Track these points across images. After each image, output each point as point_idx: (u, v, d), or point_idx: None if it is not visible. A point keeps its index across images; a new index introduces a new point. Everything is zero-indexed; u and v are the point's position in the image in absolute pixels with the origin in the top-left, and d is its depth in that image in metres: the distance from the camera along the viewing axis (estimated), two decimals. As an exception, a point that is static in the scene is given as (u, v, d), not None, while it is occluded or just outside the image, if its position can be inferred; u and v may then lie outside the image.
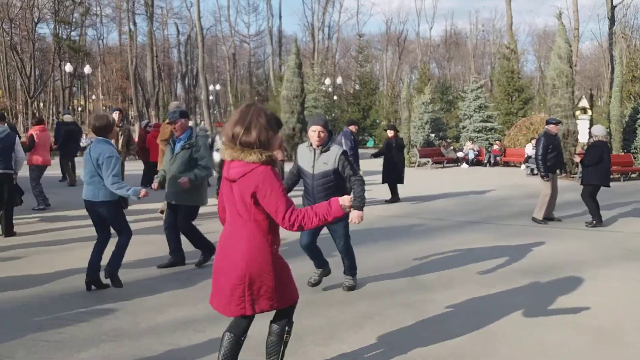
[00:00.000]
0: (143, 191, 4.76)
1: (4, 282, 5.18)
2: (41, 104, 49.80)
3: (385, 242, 7.20)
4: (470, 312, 4.51)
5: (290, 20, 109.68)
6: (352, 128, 10.25)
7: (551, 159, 8.66)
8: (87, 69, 36.23)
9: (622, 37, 33.14)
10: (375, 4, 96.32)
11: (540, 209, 8.72)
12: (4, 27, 40.80)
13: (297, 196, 5.65)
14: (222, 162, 3.02)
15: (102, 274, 5.03)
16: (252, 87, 57.30)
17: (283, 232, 2.98)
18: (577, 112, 19.15)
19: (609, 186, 8.63)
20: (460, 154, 22.29)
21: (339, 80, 46.24)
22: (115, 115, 9.66)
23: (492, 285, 5.25)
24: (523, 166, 19.12)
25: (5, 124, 7.46)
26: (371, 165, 13.55)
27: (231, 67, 58.97)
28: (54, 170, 12.25)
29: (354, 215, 4.31)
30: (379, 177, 11.23)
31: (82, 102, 50.56)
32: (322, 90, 33.82)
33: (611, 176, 9.66)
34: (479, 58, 61.41)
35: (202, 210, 6.22)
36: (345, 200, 2.74)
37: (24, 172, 8.67)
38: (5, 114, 8.25)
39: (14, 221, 7.45)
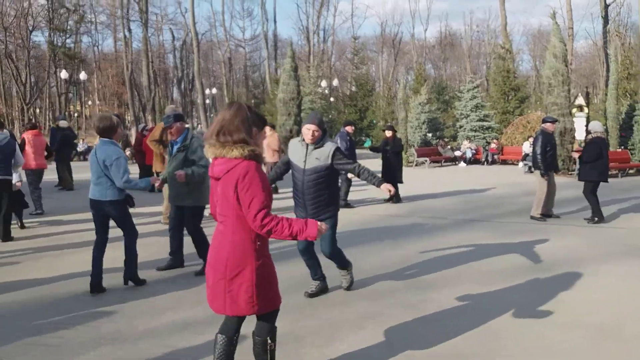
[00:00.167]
0: (157, 181, 5.15)
1: (2, 287, 5.13)
2: (37, 110, 49.70)
3: (385, 241, 7.18)
4: (471, 310, 4.49)
5: (285, 24, 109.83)
6: (349, 129, 10.25)
7: (549, 157, 8.65)
8: (82, 76, 36.18)
9: (617, 35, 33.26)
10: (370, 7, 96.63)
11: (537, 207, 8.71)
12: (-1, 35, 40.76)
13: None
14: None
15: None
16: (249, 91, 57.25)
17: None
18: (574, 110, 19.21)
19: (607, 182, 8.63)
20: (457, 153, 22.31)
21: (335, 82, 46.29)
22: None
23: (493, 283, 5.22)
24: (521, 164, 19.14)
25: (6, 131, 7.45)
26: (370, 166, 13.54)
27: (227, 71, 58.97)
28: (50, 175, 12.19)
29: (384, 187, 4.38)
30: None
31: (79, 108, 50.46)
32: (319, 93, 33.86)
33: (609, 172, 9.65)
34: (474, 58, 61.52)
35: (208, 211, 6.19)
36: (322, 226, 2.69)
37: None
38: (2, 120, 8.24)
39: (11, 227, 7.43)
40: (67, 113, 46.51)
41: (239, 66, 63.29)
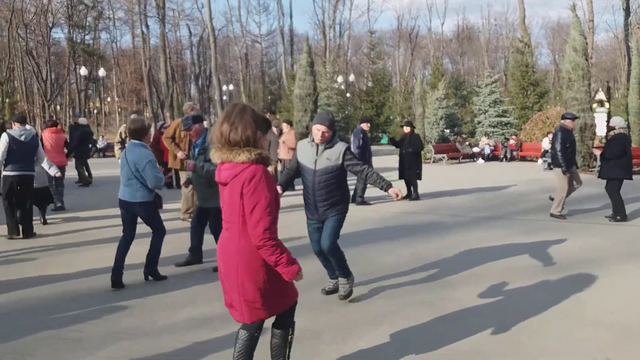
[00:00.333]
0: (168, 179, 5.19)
1: (24, 282, 5.24)
2: (58, 107, 50.46)
3: (403, 239, 7.14)
4: (490, 309, 4.45)
5: (301, 19, 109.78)
6: (364, 126, 10.14)
7: (569, 153, 8.50)
8: (101, 72, 36.64)
9: (639, 27, 32.58)
10: (386, 1, 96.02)
11: (558, 204, 8.58)
12: (20, 32, 41.38)
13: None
14: None
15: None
16: (265, 87, 57.39)
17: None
18: (594, 105, 18.89)
19: (632, 179, 8.43)
20: (475, 149, 22.10)
21: (351, 77, 46.13)
22: None
23: (512, 281, 5.17)
24: (540, 160, 18.89)
25: (29, 127, 7.57)
26: (386, 162, 13.49)
27: (244, 67, 59.16)
28: (70, 172, 12.37)
29: (392, 191, 4.31)
30: (395, 174, 11.14)
31: (98, 105, 51.13)
32: (335, 88, 33.75)
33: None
34: (492, 52, 60.82)
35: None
36: (299, 278, 2.65)
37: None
38: (25, 116, 8.39)
39: (33, 223, 7.55)
40: (86, 110, 47.14)
41: (256, 62, 63.46)
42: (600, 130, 18.10)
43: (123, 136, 9.45)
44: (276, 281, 2.67)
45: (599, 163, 9.43)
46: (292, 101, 24.24)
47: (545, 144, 18.19)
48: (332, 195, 4.41)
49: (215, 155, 2.62)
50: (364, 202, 10.03)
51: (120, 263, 5.07)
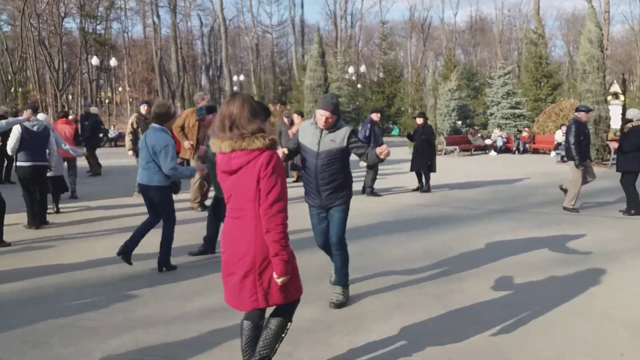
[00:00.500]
0: (202, 168, 5.69)
1: (37, 271, 5.29)
2: (69, 97, 50.78)
3: (413, 231, 7.12)
4: (502, 302, 4.42)
5: (312, 9, 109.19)
6: (374, 116, 10.08)
7: (583, 146, 8.39)
8: (113, 62, 36.70)
9: (656, 19, 32.01)
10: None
11: (572, 198, 8.50)
12: (32, 22, 41.57)
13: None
14: None
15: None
16: (276, 77, 57.26)
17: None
18: (609, 98, 18.63)
19: None
20: (488, 141, 21.93)
21: (362, 68, 45.86)
22: (143, 109, 9.72)
23: (524, 275, 5.13)
24: (553, 153, 18.71)
25: (41, 115, 7.63)
26: (397, 154, 13.42)
27: (254, 58, 59.03)
28: (82, 161, 12.47)
29: (378, 150, 3.97)
30: (406, 165, 11.09)
31: (109, 94, 51.38)
32: (346, 79, 33.60)
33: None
34: (505, 44, 60.09)
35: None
36: (280, 280, 2.63)
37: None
38: (37, 106, 8.48)
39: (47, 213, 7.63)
40: (97, 100, 47.40)
41: (266, 52, 63.29)
42: (615, 123, 17.85)
43: (135, 126, 9.47)
44: (292, 270, 2.70)
45: (614, 156, 9.30)
46: (303, 92, 24.21)
47: (559, 136, 18.01)
48: (335, 179, 4.21)
49: (223, 145, 2.61)
50: (373, 193, 10.00)
51: (135, 239, 5.16)
